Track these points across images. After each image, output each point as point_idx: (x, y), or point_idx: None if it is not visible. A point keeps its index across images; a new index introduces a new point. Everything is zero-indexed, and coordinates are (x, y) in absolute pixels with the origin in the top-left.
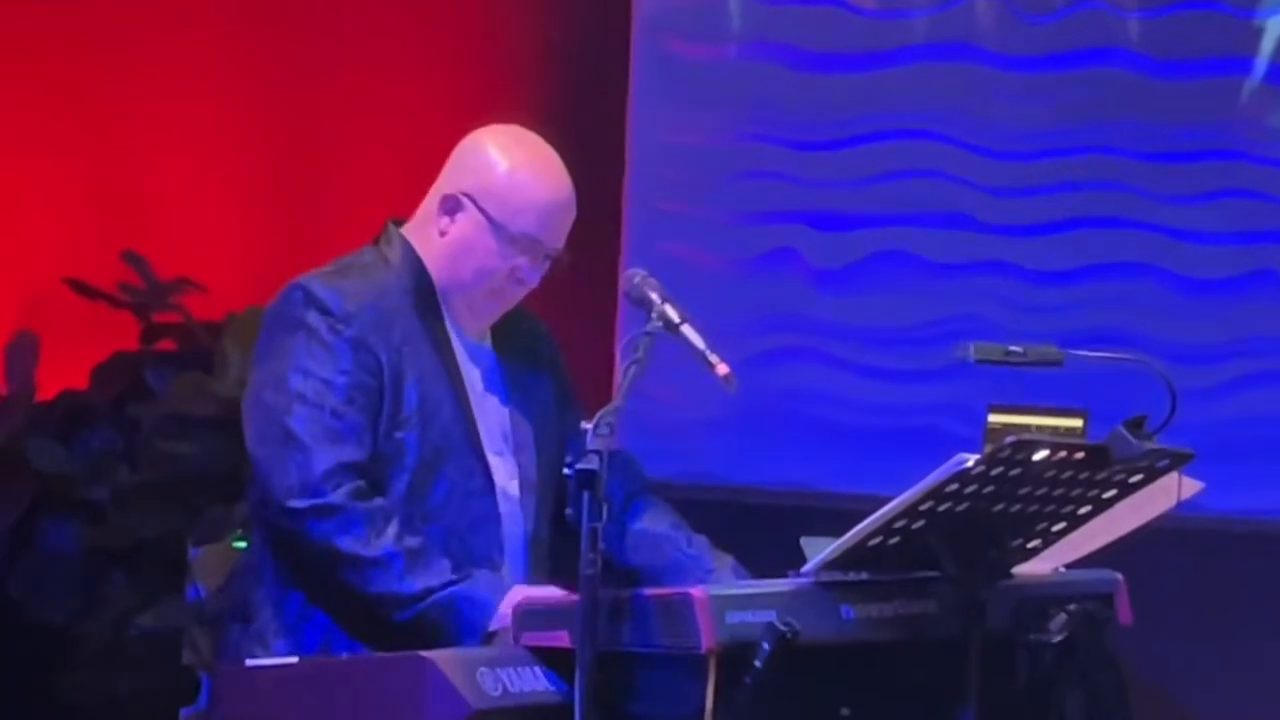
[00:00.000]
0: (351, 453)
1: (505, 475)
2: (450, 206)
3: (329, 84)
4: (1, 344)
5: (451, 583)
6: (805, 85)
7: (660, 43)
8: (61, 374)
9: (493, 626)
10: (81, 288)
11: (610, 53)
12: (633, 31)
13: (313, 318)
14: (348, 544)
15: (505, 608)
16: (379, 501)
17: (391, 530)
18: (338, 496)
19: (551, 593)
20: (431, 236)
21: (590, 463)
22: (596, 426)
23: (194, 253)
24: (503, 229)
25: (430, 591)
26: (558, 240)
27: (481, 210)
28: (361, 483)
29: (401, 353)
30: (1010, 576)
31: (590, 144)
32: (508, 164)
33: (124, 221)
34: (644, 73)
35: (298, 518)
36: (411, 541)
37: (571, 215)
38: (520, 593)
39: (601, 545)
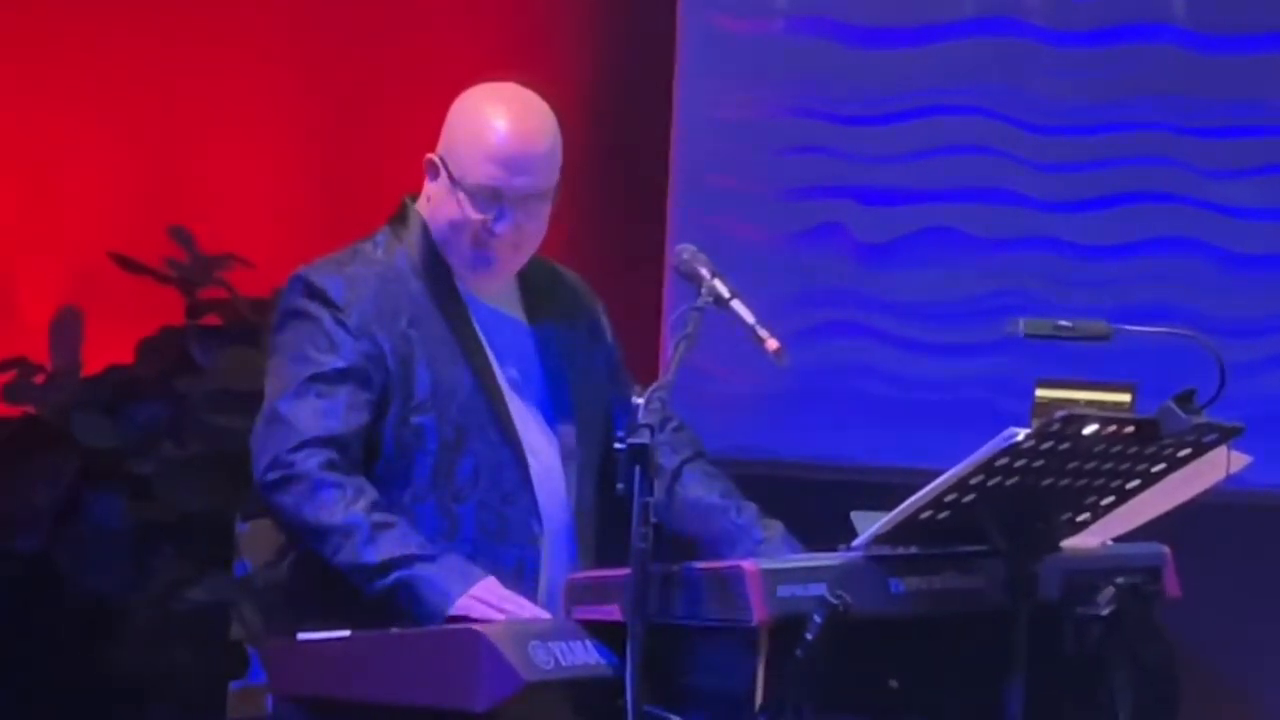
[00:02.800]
0: (329, 426)
1: (542, 443)
2: (432, 171)
3: (377, 58)
4: (47, 319)
5: (414, 558)
6: (852, 60)
7: (707, 18)
8: (107, 349)
9: (452, 612)
10: (127, 263)
11: (657, 28)
12: (679, 7)
13: (314, 307)
14: (311, 512)
15: (468, 599)
16: (357, 477)
17: (362, 503)
18: (305, 466)
19: (512, 597)
20: (424, 204)
21: (641, 437)
22: (648, 402)
23: (240, 228)
24: (460, 184)
25: (393, 564)
26: (522, 184)
27: (445, 169)
28: (334, 455)
29: (409, 337)
30: (1058, 550)
31: (637, 120)
32: (466, 119)
33: (170, 197)
34: (690, 48)
35: (268, 490)
36: (381, 516)
37: (533, 156)
38: (489, 585)
39: (653, 520)
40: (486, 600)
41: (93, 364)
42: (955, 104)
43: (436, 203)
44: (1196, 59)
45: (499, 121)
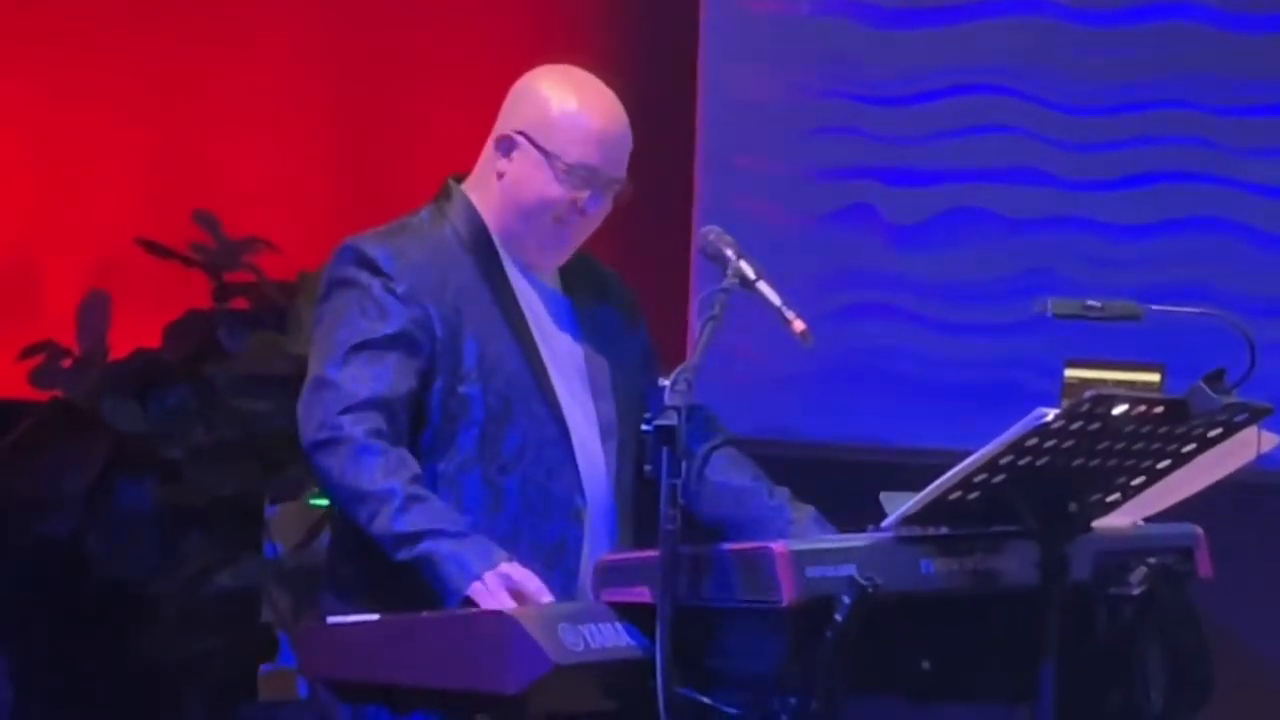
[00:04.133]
0: (377, 390)
1: (583, 419)
2: (506, 147)
3: (401, 40)
4: (74, 304)
5: (441, 533)
6: (879, 40)
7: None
8: (134, 333)
9: (469, 592)
10: (154, 247)
11: (681, 9)
12: None
13: (364, 276)
14: (353, 476)
15: (490, 578)
16: (401, 449)
17: (404, 473)
18: (353, 431)
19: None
20: (489, 182)
21: (669, 419)
22: (674, 383)
23: (267, 212)
24: (558, 160)
25: (419, 536)
26: (615, 169)
27: (536, 145)
28: (381, 421)
29: (458, 309)
30: (1089, 530)
31: (662, 101)
32: (558, 97)
33: (196, 181)
34: (715, 29)
35: (314, 450)
36: (418, 489)
37: (627, 143)
38: (511, 567)
39: (681, 500)
40: (508, 577)
41: (119, 348)
42: (983, 84)
43: (514, 179)
44: (1226, 37)
45: (599, 103)
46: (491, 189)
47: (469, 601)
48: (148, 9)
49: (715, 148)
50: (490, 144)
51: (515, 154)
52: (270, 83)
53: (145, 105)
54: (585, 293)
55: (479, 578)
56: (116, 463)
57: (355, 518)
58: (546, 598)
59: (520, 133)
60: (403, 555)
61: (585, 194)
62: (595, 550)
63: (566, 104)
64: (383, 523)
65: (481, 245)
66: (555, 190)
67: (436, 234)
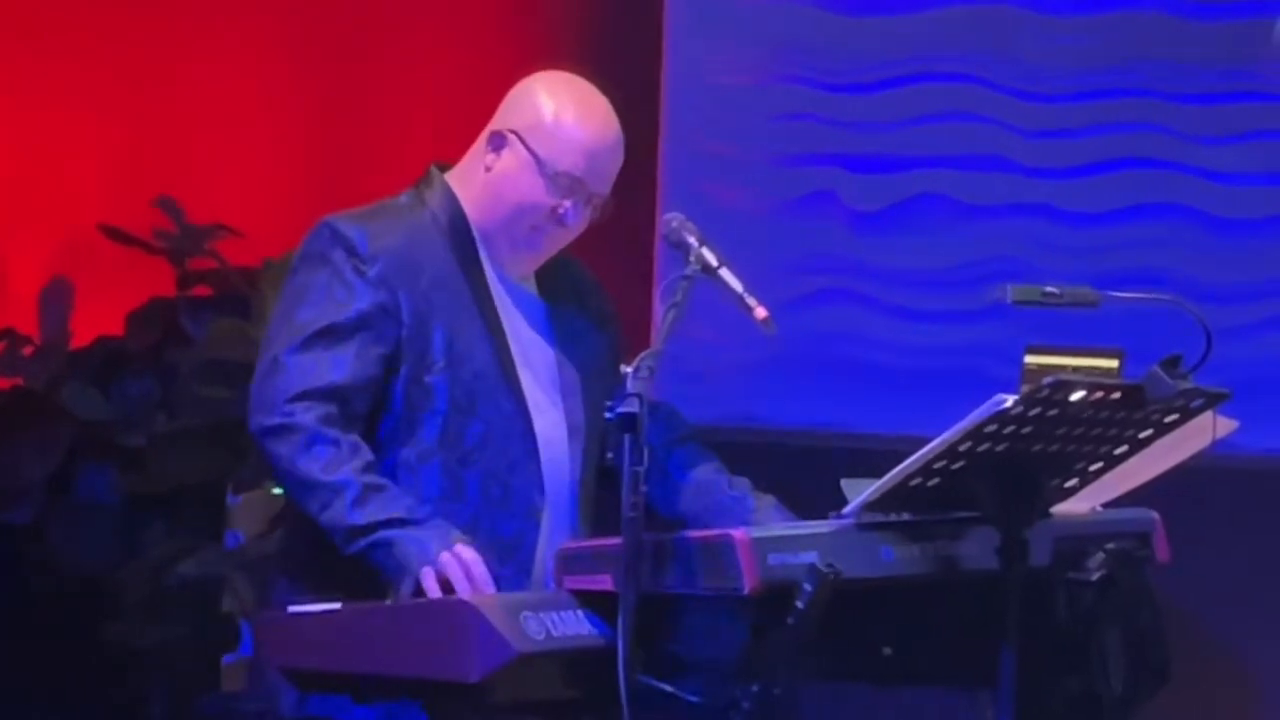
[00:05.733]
0: (332, 378)
1: (550, 418)
2: (497, 143)
3: (365, 27)
4: (36, 291)
5: (399, 521)
6: (843, 27)
7: None
8: (96, 321)
9: (423, 572)
10: (116, 234)
11: None
12: None
13: (337, 255)
14: (306, 464)
15: (446, 556)
16: (352, 435)
17: (357, 462)
18: (305, 418)
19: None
20: (476, 175)
21: (631, 406)
22: (636, 370)
23: (231, 199)
24: (547, 166)
25: (375, 526)
26: (601, 184)
27: (527, 147)
28: (334, 409)
29: (429, 296)
30: (1048, 516)
31: (627, 86)
32: (555, 105)
33: (159, 168)
34: (680, 14)
35: (264, 436)
36: (372, 478)
37: (618, 161)
38: (463, 549)
39: (643, 489)
40: (459, 558)
41: (82, 336)
42: (945, 71)
43: (501, 176)
44: (1184, 24)
45: (596, 118)
46: (476, 182)
47: (419, 590)
48: None
49: (680, 133)
50: (482, 138)
51: (505, 151)
52: (234, 69)
53: (107, 91)
54: (560, 295)
55: (433, 560)
56: (78, 451)
57: (305, 507)
58: (489, 589)
59: (514, 132)
60: (358, 545)
61: (567, 203)
62: (552, 548)
63: (564, 112)
64: (336, 514)
65: (460, 235)
66: (538, 194)
67: (416, 218)
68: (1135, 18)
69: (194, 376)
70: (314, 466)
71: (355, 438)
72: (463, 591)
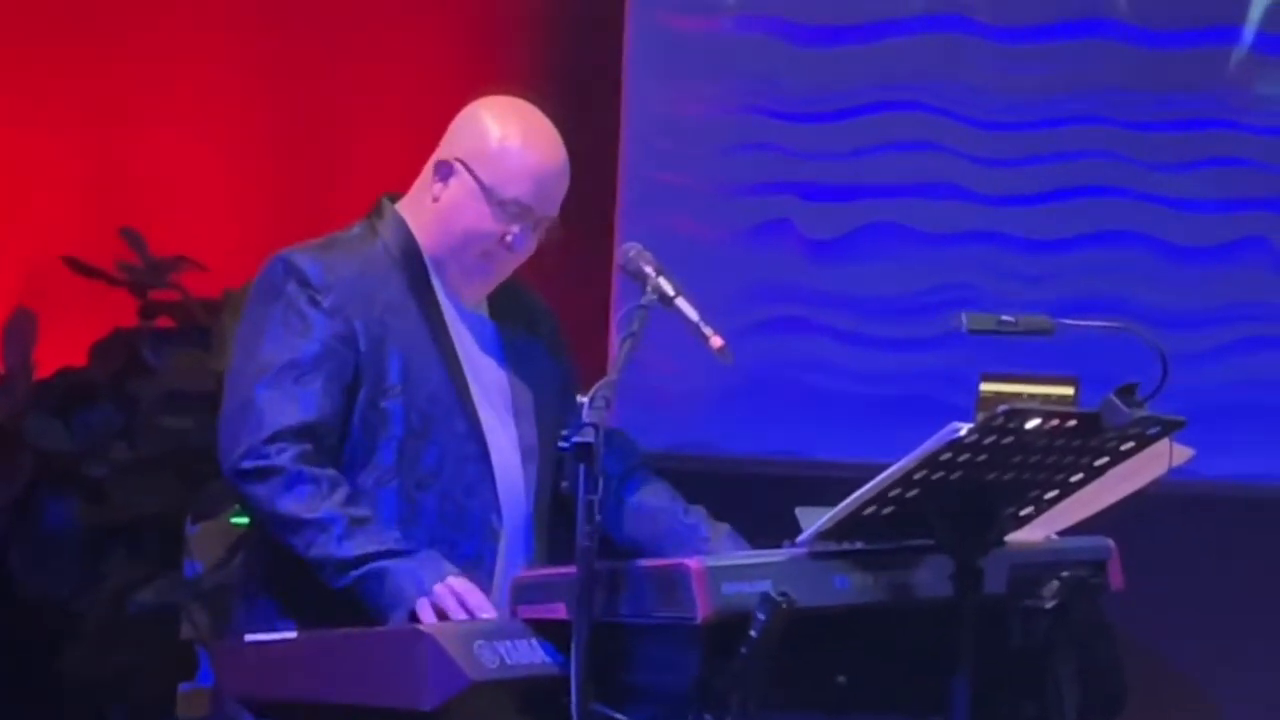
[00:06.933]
0: (304, 415)
1: (504, 441)
2: (444, 172)
3: (329, 63)
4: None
5: (390, 553)
6: (798, 57)
7: (654, 15)
8: (60, 352)
9: (419, 603)
10: (79, 266)
11: (605, 25)
12: (627, 4)
13: (291, 288)
14: (288, 505)
15: (440, 588)
16: (330, 470)
17: (338, 496)
18: (281, 459)
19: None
20: (424, 204)
21: (586, 435)
22: (592, 400)
23: (192, 230)
24: (493, 193)
25: (367, 558)
26: (549, 208)
27: (473, 175)
28: (309, 447)
29: (384, 323)
30: (1003, 544)
31: (585, 116)
32: (500, 131)
33: (122, 199)
34: (638, 45)
35: (242, 479)
36: (357, 510)
37: (564, 184)
38: (458, 581)
39: (598, 518)
40: (456, 593)
41: (45, 367)
42: (900, 100)
43: (449, 205)
44: (1138, 53)
45: (540, 142)
46: (425, 211)
47: (414, 616)
48: (75, 28)
49: (637, 163)
50: (429, 167)
51: (452, 180)
52: (197, 101)
53: (70, 124)
54: (511, 319)
55: (428, 592)
56: (40, 481)
57: (291, 545)
58: (489, 613)
59: (459, 160)
60: (348, 579)
61: (514, 229)
62: (510, 569)
63: (508, 138)
64: (323, 550)
65: (412, 263)
66: (486, 224)
67: (368, 249)
68: (1089, 46)
69: (155, 407)
70: (297, 506)
71: (334, 472)
72: (456, 619)
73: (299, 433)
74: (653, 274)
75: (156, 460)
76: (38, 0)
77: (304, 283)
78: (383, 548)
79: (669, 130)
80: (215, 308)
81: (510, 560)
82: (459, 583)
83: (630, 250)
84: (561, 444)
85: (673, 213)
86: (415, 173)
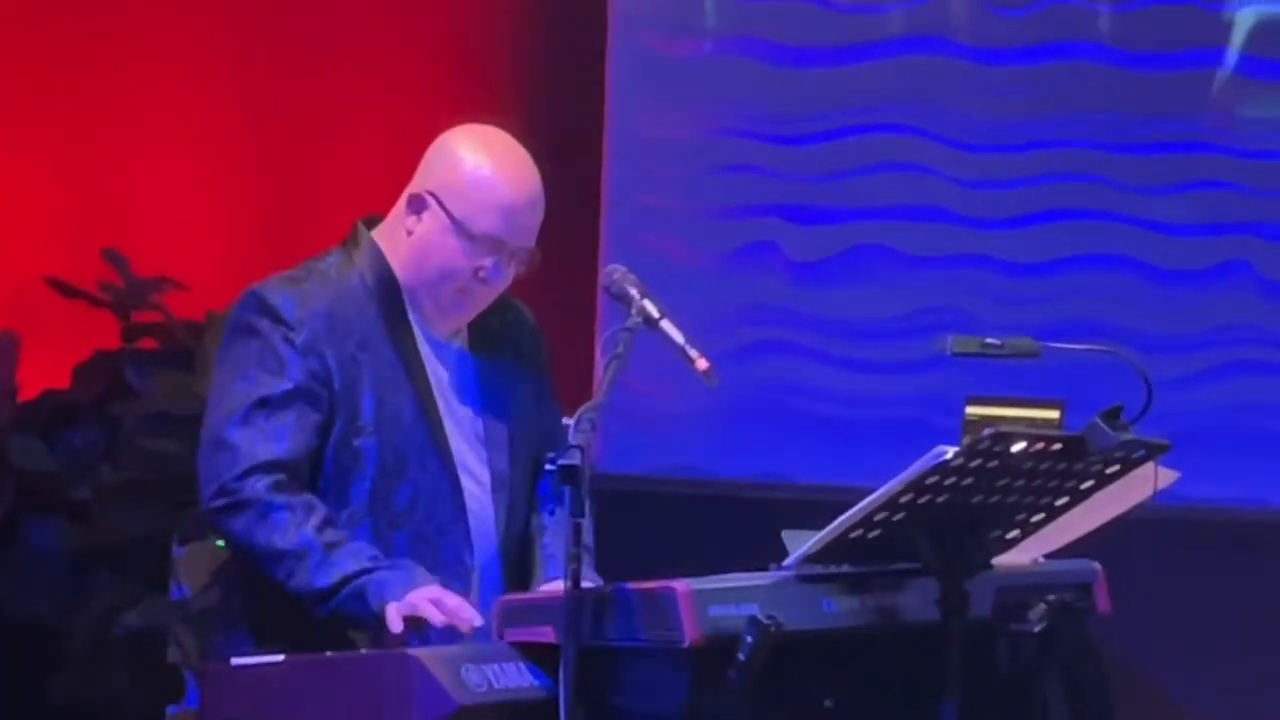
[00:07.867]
0: (277, 451)
1: (477, 475)
2: (417, 206)
3: (311, 83)
4: None
5: (365, 571)
6: (781, 80)
7: (637, 39)
8: (43, 373)
9: (388, 608)
10: (62, 287)
11: (587, 49)
12: (610, 28)
13: (264, 325)
14: (264, 536)
15: (414, 595)
16: (306, 495)
17: (313, 521)
18: (253, 491)
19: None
20: (399, 236)
21: (572, 458)
22: (578, 422)
23: (175, 251)
24: (464, 228)
25: (345, 581)
26: (523, 239)
27: (445, 209)
28: (283, 476)
29: (357, 359)
30: (990, 567)
31: (568, 139)
32: (472, 163)
33: (105, 220)
34: (621, 69)
35: (217, 517)
36: (332, 534)
37: (538, 215)
38: (433, 587)
39: (586, 541)
40: (432, 597)
41: (28, 389)
42: (884, 122)
43: (422, 240)
44: (1122, 76)
45: (511, 173)
46: (400, 244)
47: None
48: (56, 47)
49: (621, 186)
50: (403, 199)
51: (425, 214)
52: (179, 122)
53: (52, 145)
54: (490, 346)
55: (398, 598)
56: (23, 504)
57: (273, 576)
58: (468, 615)
59: (431, 194)
60: (329, 607)
61: (488, 263)
62: (484, 605)
63: (480, 170)
64: (302, 581)
65: (388, 294)
66: (460, 260)
67: (343, 280)
68: (1074, 69)
69: (139, 429)
70: (273, 536)
71: (309, 495)
72: (436, 623)
73: (273, 466)
74: (637, 296)
75: (140, 482)
76: (17, 21)
77: (277, 319)
78: (359, 567)
79: (653, 153)
80: (198, 330)
81: (482, 596)
82: (432, 589)
83: (614, 272)
84: (547, 465)
85: (657, 235)
86: (398, 193)
